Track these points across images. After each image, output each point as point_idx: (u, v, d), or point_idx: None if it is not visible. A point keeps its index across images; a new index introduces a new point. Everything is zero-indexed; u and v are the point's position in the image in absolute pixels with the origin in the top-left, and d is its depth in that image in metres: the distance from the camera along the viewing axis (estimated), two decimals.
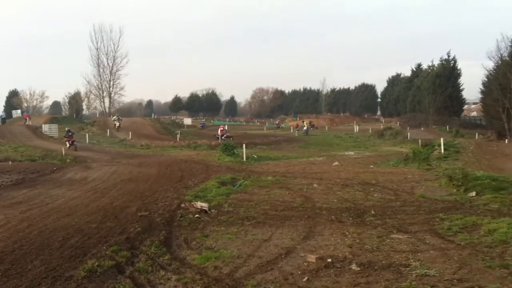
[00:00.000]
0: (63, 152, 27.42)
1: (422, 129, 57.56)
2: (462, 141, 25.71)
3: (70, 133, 34.00)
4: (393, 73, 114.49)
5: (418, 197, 12.28)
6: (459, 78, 69.41)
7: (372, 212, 10.38)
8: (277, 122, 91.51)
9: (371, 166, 21.37)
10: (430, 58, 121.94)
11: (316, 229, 8.86)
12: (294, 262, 6.82)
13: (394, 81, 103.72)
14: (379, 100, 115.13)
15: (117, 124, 44.36)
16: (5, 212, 10.62)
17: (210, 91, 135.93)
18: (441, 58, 70.62)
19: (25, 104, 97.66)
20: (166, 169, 18.47)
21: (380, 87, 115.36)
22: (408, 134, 46.70)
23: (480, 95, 50.02)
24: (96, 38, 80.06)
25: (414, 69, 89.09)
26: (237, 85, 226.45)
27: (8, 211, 10.69)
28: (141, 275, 6.34)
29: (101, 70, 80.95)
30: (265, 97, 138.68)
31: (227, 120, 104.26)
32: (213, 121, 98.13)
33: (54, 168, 19.37)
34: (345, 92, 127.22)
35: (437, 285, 5.68)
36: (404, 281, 5.85)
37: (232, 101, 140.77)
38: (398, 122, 72.68)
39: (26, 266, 6.52)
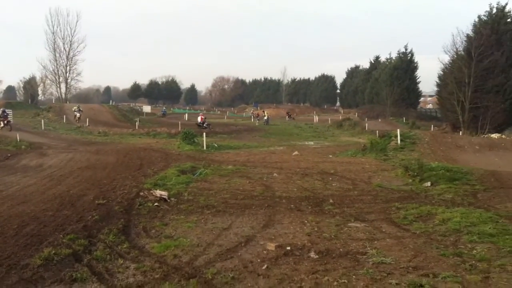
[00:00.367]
0: (18, 138, 26.58)
1: (380, 120, 58.58)
2: (418, 133, 26.33)
3: (5, 113, 34.13)
4: (352, 65, 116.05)
5: (375, 187, 12.54)
6: (416, 71, 70.82)
7: (331, 201, 10.54)
8: (252, 111, 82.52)
9: (330, 156, 21.65)
10: (388, 51, 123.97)
11: (276, 217, 8.92)
12: (254, 250, 6.86)
13: (353, 73, 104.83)
14: (338, 91, 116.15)
15: (78, 115, 43.20)
16: None
17: (170, 78, 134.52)
18: (398, 51, 71.83)
19: None
20: (125, 157, 18.17)
21: (339, 78, 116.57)
22: (366, 125, 47.49)
23: (436, 88, 51.15)
24: (52, 22, 77.82)
25: (373, 62, 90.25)
26: (198, 73, 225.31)
27: None
28: (99, 264, 6.23)
29: (57, 55, 78.81)
30: (226, 86, 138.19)
31: (187, 108, 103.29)
32: (173, 109, 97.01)
33: (8, 155, 18.82)
34: (305, 83, 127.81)
35: (393, 272, 5.82)
36: (361, 268, 5.97)
37: (192, 89, 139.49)
38: (356, 113, 73.73)
39: None
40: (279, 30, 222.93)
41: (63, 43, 78.59)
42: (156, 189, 11.01)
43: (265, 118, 56.50)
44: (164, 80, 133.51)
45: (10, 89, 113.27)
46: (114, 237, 7.35)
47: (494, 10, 41.75)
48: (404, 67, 68.69)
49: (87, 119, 43.20)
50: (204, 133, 26.01)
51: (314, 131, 46.12)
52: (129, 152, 19.76)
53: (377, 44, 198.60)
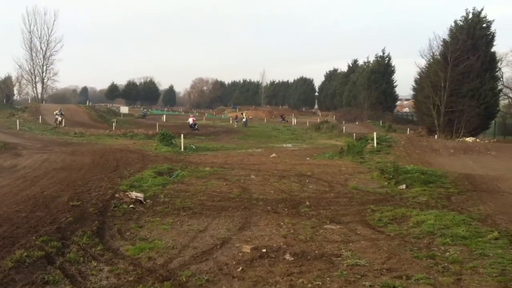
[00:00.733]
0: None
1: (357, 123, 58.98)
2: (394, 136, 26.59)
3: None
4: (330, 68, 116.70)
5: (351, 189, 12.64)
6: (393, 74, 71.39)
7: (307, 203, 10.59)
8: (235, 116, 73.09)
9: (308, 159, 21.74)
10: (366, 55, 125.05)
11: (252, 219, 8.93)
12: (229, 253, 6.85)
13: (332, 76, 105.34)
14: (316, 94, 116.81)
15: (60, 119, 42.35)
16: None
17: (148, 79, 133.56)
18: (376, 55, 72.33)
19: None
20: (101, 158, 17.97)
21: (318, 81, 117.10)
22: (344, 128, 47.79)
23: (412, 92, 51.67)
24: (29, 21, 76.14)
25: (351, 65, 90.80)
26: (177, 75, 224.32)
27: None
28: (72, 266, 6.15)
29: (33, 54, 77.16)
30: (205, 88, 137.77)
31: (166, 109, 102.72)
32: (151, 110, 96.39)
33: None
34: (284, 85, 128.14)
35: (366, 274, 5.88)
36: (336, 270, 6.02)
37: (171, 91, 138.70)
38: (334, 116, 74.14)
39: None
40: (259, 32, 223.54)
41: (40, 42, 77.15)
42: (132, 191, 10.93)
43: (244, 120, 56.47)
44: (142, 81, 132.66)
45: None
46: (88, 239, 7.27)
47: (470, 16, 42.34)
48: (381, 70, 69.24)
49: (63, 120, 42.56)
50: (182, 135, 25.85)
51: (292, 134, 46.24)
52: (105, 153, 19.55)
53: (355, 48, 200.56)
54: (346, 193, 12.06)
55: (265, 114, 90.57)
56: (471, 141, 28.97)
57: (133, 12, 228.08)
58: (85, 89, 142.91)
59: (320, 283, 5.59)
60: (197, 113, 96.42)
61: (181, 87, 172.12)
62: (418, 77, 47.71)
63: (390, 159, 18.88)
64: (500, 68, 43.95)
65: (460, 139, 32.15)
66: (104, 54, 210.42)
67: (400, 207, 10.14)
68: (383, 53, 71.06)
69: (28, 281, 5.57)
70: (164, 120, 59.79)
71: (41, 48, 77.17)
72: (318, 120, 64.43)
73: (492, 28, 41.80)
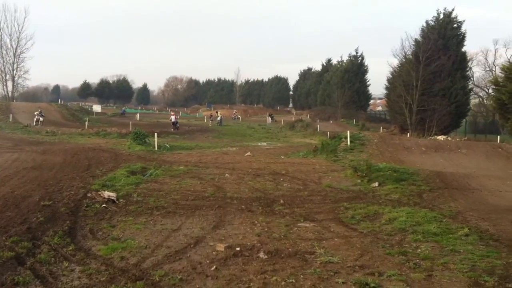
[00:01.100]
0: None
1: (331, 122, 59.39)
2: (367, 134, 26.91)
3: None
4: (305, 67, 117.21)
5: (325, 187, 12.74)
6: (366, 74, 72.15)
7: (281, 201, 10.63)
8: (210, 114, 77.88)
9: (282, 157, 21.81)
10: (340, 54, 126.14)
11: (226, 218, 8.92)
12: (203, 252, 6.83)
13: (306, 75, 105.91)
14: (291, 92, 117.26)
15: (41, 119, 41.48)
16: None
17: (122, 77, 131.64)
18: (349, 55, 72.95)
19: None
20: (72, 157, 17.71)
21: (292, 80, 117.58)
22: (318, 126, 48.05)
23: (385, 91, 52.30)
24: None
25: (325, 64, 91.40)
26: (151, 73, 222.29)
27: None
28: (42, 267, 6.05)
29: (4, 52, 75.74)
30: (179, 86, 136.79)
31: (139, 108, 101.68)
32: (124, 108, 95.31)
33: None
34: (259, 84, 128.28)
35: (339, 271, 5.93)
36: (309, 268, 6.06)
37: (144, 89, 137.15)
38: (308, 115, 74.44)
39: None
40: (233, 31, 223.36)
41: (10, 40, 75.76)
42: (104, 190, 10.80)
43: (218, 118, 56.34)
44: (115, 79, 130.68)
45: None
46: (59, 239, 7.16)
47: (441, 16, 43.09)
48: (355, 70, 69.86)
49: (34, 119, 41.77)
50: (156, 133, 25.63)
51: (267, 132, 46.30)
52: (77, 152, 19.27)
53: (330, 47, 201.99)
54: (320, 191, 12.14)
55: (240, 112, 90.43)
56: (442, 139, 29.45)
57: (106, 10, 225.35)
58: (57, 87, 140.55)
59: (293, 280, 5.62)
60: (171, 112, 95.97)
61: (155, 85, 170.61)
62: (391, 76, 48.38)
63: (363, 157, 19.06)
64: (470, 68, 45.09)
65: (432, 138, 32.66)
66: (76, 52, 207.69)
67: (373, 205, 10.27)
68: (357, 53, 71.78)
69: None
70: (138, 119, 59.22)
71: (11, 45, 75.98)
72: (293, 119, 64.62)
73: (463, 28, 42.79)
